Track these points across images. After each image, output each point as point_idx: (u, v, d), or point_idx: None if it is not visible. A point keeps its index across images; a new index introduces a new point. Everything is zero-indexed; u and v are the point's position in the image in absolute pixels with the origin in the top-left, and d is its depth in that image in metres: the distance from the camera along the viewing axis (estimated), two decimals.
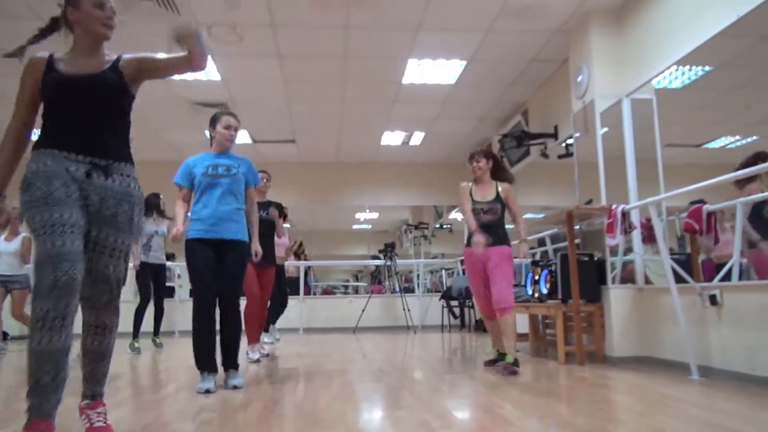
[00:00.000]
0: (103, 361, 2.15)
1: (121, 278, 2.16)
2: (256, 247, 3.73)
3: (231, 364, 3.39)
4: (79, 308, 2.04)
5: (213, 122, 3.56)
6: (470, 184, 4.21)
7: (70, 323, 1.93)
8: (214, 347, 3.36)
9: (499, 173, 4.23)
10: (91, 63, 2.19)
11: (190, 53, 2.17)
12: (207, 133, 3.71)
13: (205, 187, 3.40)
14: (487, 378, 3.63)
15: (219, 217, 3.36)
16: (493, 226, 4.03)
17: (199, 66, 2.23)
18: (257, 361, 4.65)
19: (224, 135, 3.50)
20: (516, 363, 3.79)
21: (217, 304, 3.39)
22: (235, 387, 3.25)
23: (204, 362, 3.29)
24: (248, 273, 4.34)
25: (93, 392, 2.13)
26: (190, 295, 4.20)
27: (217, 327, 3.42)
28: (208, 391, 3.10)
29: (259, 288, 4.68)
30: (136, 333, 5.86)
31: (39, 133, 2.16)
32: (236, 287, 3.45)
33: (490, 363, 4.12)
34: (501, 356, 3.99)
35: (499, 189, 4.13)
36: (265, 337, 6.15)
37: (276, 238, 5.11)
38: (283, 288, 6.38)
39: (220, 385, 3.29)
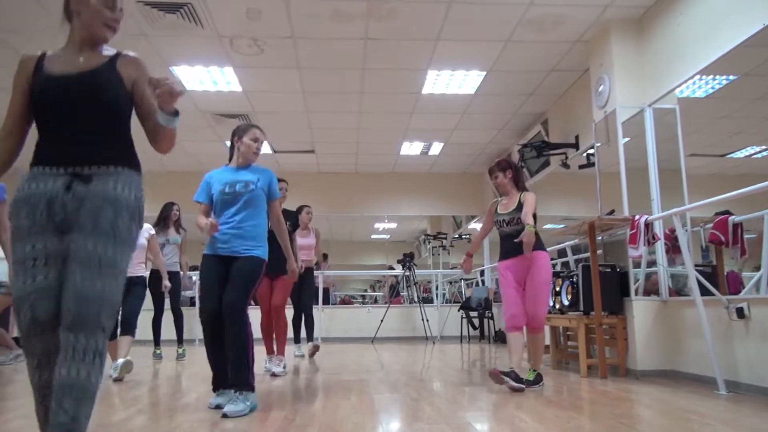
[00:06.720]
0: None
1: (101, 297, 1.68)
2: (292, 266, 3.65)
3: (235, 382, 2.98)
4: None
5: (239, 133, 3.36)
6: (499, 199, 4.10)
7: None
8: (223, 363, 3.09)
9: (520, 182, 4.05)
10: (84, 60, 1.86)
11: (157, 124, 1.85)
12: (228, 143, 3.54)
13: (222, 205, 3.25)
14: (506, 390, 3.58)
15: (233, 234, 3.18)
16: (515, 236, 3.78)
17: (160, 148, 1.93)
18: (273, 375, 4.45)
19: (250, 147, 3.31)
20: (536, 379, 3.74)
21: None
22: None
23: (213, 379, 3.16)
24: (263, 285, 4.42)
25: None
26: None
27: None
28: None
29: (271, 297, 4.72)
30: (156, 341, 6.08)
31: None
32: (237, 300, 3.06)
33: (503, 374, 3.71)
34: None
35: (521, 197, 3.94)
36: (295, 350, 6.15)
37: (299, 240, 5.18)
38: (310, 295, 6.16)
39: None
